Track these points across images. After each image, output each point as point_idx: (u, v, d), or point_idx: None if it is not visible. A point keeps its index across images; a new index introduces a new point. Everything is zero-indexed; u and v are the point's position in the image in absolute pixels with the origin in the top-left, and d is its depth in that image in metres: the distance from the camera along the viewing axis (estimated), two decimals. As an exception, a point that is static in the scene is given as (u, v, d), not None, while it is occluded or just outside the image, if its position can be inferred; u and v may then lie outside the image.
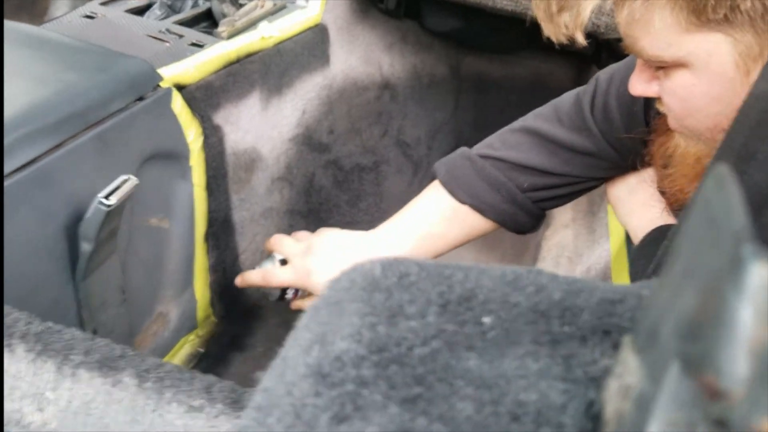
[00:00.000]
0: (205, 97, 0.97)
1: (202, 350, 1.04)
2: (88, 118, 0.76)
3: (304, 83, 1.26)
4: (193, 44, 1.01)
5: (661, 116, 0.77)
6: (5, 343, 0.44)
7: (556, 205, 0.95)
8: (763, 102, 0.49)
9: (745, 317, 0.15)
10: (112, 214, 0.74)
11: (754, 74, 0.59)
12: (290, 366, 0.23)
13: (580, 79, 1.70)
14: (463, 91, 1.77)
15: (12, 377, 0.43)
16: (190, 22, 1.11)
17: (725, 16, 0.57)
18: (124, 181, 0.75)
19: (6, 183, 0.66)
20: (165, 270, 0.97)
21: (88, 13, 1.01)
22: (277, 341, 0.99)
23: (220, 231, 1.06)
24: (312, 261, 0.94)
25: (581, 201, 1.21)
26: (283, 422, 0.21)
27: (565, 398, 0.21)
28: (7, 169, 0.66)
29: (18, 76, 0.77)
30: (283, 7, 1.23)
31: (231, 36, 1.06)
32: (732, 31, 0.58)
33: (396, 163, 1.54)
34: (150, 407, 0.43)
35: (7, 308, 0.47)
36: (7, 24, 0.88)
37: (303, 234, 1.01)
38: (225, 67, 1.02)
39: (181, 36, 1.02)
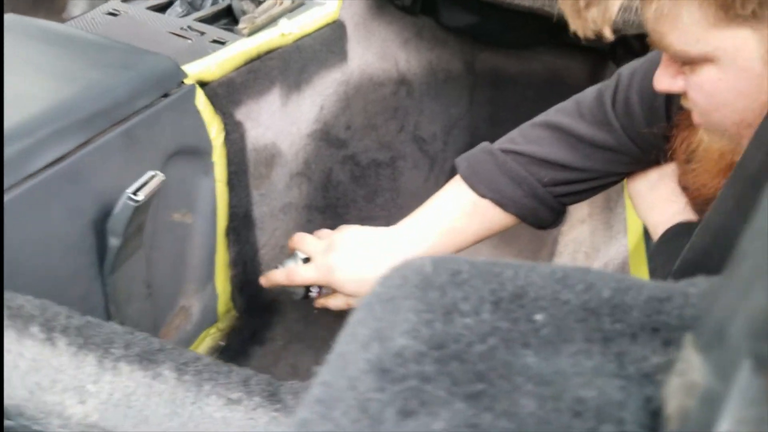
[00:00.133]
0: (227, 94, 0.98)
1: (223, 344, 1.05)
2: (115, 115, 0.77)
3: (322, 79, 1.27)
4: (215, 41, 1.02)
5: (684, 111, 0.77)
6: (47, 336, 0.45)
7: (577, 201, 0.96)
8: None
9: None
10: (140, 210, 0.74)
11: (781, 69, 0.59)
12: (350, 361, 0.24)
13: (595, 75, 1.70)
14: (479, 87, 1.77)
15: (54, 370, 0.44)
16: (211, 19, 1.12)
17: (753, 11, 0.57)
18: (152, 177, 0.76)
19: (36, 179, 0.67)
20: (187, 264, 0.98)
21: (111, 11, 1.02)
22: (296, 335, 1.00)
23: (241, 226, 1.07)
24: (334, 258, 0.95)
25: (597, 196, 1.21)
26: (348, 416, 0.21)
27: (623, 395, 0.22)
28: (37, 165, 0.67)
29: (46, 73, 0.77)
30: (301, 4, 1.23)
31: (251, 33, 1.07)
32: (760, 26, 0.58)
33: (412, 159, 1.54)
34: (189, 400, 0.43)
35: (46, 302, 0.48)
36: (35, 21, 0.89)
37: (324, 232, 1.02)
38: (246, 64, 1.03)
39: (202, 33, 1.03)
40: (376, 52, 1.47)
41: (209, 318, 1.04)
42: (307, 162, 1.28)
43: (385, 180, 1.46)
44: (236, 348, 1.05)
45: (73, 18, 1.03)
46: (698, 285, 0.28)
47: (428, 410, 0.20)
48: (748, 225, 0.18)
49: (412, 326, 0.24)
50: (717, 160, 0.75)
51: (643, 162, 0.91)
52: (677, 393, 0.20)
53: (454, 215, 0.93)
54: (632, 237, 1.17)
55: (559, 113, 0.92)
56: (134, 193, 0.73)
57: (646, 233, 1.00)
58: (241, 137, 1.03)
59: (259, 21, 1.10)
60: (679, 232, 0.88)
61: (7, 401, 0.43)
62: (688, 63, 0.66)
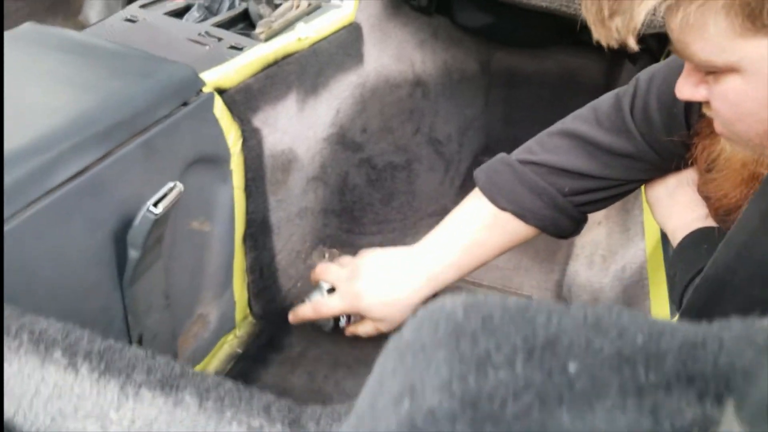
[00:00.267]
0: (244, 100, 0.98)
1: (240, 351, 1.06)
2: (135, 126, 0.77)
3: (339, 83, 1.26)
4: (232, 47, 1.02)
5: (704, 119, 0.76)
6: (69, 361, 0.45)
7: (598, 209, 0.95)
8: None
9: None
10: (159, 222, 0.74)
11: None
12: (381, 417, 0.24)
13: (612, 74, 1.69)
14: (494, 87, 1.76)
15: (76, 396, 0.44)
16: (228, 24, 1.12)
17: None
18: (171, 189, 0.76)
19: (58, 193, 0.67)
20: (205, 272, 0.98)
21: (129, 17, 1.02)
22: (313, 341, 1.00)
23: (258, 232, 1.07)
24: (359, 285, 0.95)
25: (613, 198, 1.21)
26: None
27: (661, 456, 0.21)
28: (58, 179, 0.67)
29: (66, 84, 0.77)
30: (318, 7, 1.23)
31: (269, 38, 1.06)
32: None
33: (428, 161, 1.54)
34: (211, 428, 0.43)
35: (68, 325, 0.48)
36: (53, 30, 0.89)
37: (346, 259, 1.02)
38: (263, 69, 1.02)
39: (220, 39, 1.03)
40: (392, 54, 1.46)
41: (227, 325, 1.05)
42: (324, 166, 1.27)
43: (401, 183, 1.46)
44: (253, 355, 1.06)
45: (91, 25, 1.04)
46: (733, 329, 0.28)
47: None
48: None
49: (444, 381, 0.23)
50: (739, 169, 0.74)
51: (663, 168, 0.90)
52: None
53: (475, 229, 0.93)
54: (650, 240, 1.16)
55: (577, 121, 0.91)
56: (154, 206, 0.73)
57: (664, 237, 1.00)
58: (259, 143, 1.03)
59: (276, 25, 1.10)
60: (698, 238, 0.87)
61: (27, 427, 0.43)
62: (712, 72, 0.65)
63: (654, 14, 0.61)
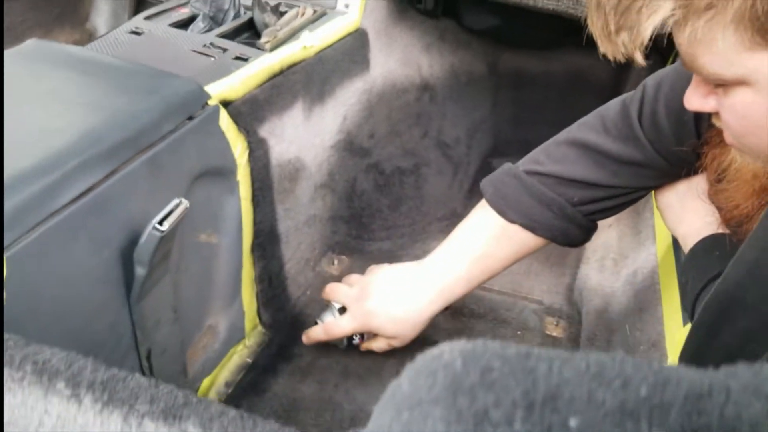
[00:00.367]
0: (250, 111, 0.98)
1: (250, 361, 1.05)
2: (141, 142, 0.76)
3: (345, 90, 1.26)
4: (237, 58, 1.01)
5: (714, 128, 0.76)
6: (73, 392, 0.45)
7: (608, 216, 0.94)
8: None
9: None
10: (165, 239, 0.74)
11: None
12: (379, 477, 0.23)
13: (619, 75, 1.67)
14: (501, 89, 1.75)
15: (80, 427, 0.44)
16: (233, 34, 1.11)
17: None
18: (177, 205, 0.75)
19: (64, 213, 0.67)
20: (214, 284, 0.98)
21: (134, 29, 1.02)
22: (323, 350, 0.99)
23: (266, 242, 1.07)
24: (369, 304, 0.95)
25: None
26: None
27: None
28: (65, 199, 0.67)
29: (70, 102, 0.77)
30: (323, 14, 1.22)
31: (274, 47, 1.06)
32: None
33: (436, 165, 1.53)
34: (215, 458, 0.43)
35: (72, 355, 0.48)
36: (57, 47, 0.89)
37: (355, 277, 1.03)
38: (269, 79, 1.02)
39: (225, 50, 1.02)
40: (399, 59, 1.45)
41: (236, 335, 1.05)
42: (331, 173, 1.27)
43: (409, 188, 1.45)
44: (263, 365, 1.05)
45: (98, 37, 1.04)
46: (740, 377, 0.27)
47: None
48: None
49: (442, 440, 0.23)
50: (750, 180, 0.74)
51: (672, 175, 0.89)
52: None
53: (483, 242, 0.92)
54: (661, 244, 1.15)
55: (583, 129, 0.90)
56: (159, 223, 0.73)
57: (675, 240, 0.99)
58: (265, 154, 1.02)
59: (281, 34, 1.09)
60: (709, 245, 0.86)
61: (33, 459, 0.43)
62: (721, 84, 0.64)
63: (662, 29, 0.60)
